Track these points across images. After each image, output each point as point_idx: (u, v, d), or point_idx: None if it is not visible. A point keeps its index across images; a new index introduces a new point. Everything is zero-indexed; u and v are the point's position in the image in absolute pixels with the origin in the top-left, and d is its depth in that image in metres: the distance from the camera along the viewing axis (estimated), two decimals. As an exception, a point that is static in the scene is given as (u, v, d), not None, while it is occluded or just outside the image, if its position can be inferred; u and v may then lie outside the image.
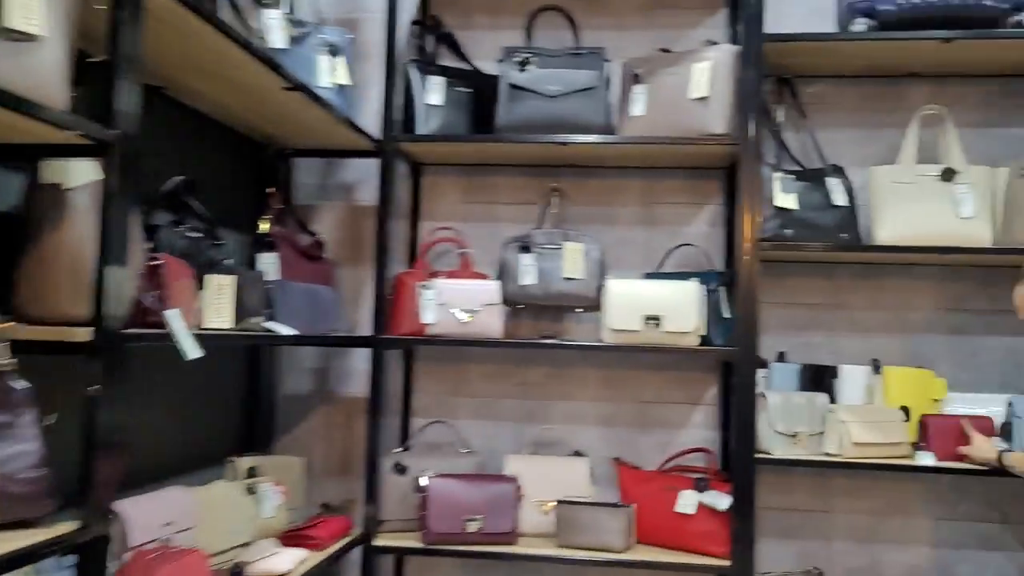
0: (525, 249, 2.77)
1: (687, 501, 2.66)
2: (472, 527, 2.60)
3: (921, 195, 2.62)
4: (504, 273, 2.77)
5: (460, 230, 3.00)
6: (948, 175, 2.62)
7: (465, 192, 3.06)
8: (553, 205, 2.95)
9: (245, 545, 2.27)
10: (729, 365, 2.83)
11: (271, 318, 2.26)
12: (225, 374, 2.76)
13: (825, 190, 2.70)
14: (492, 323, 2.65)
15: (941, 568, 2.81)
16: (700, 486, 2.66)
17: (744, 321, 2.57)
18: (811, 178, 2.72)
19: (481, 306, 2.64)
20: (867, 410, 2.64)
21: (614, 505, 2.63)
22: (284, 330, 2.23)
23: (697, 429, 2.93)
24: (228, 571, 2.16)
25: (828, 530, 2.86)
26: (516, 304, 2.78)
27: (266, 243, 2.43)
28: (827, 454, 2.62)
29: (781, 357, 2.88)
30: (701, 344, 2.64)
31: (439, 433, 2.97)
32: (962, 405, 2.73)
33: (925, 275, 2.87)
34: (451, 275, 2.81)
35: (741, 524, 2.52)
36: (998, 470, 2.45)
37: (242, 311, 2.02)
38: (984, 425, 2.59)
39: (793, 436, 2.61)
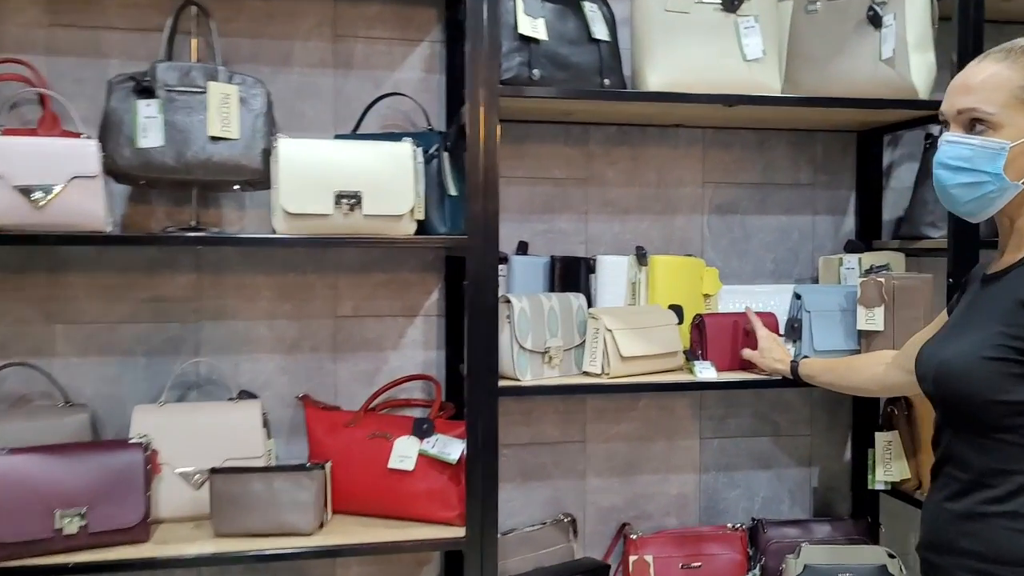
0: (145, 92, 1.77)
1: (404, 452, 1.91)
2: (70, 525, 1.65)
3: (699, 29, 1.98)
4: (111, 130, 1.76)
5: (42, 67, 1.92)
6: (731, 4, 2.00)
7: (50, 9, 1.97)
8: (192, 30, 1.96)
9: None
10: (457, 261, 2.09)
11: None
12: None
13: (581, 18, 1.97)
14: (87, 207, 1.65)
15: (709, 495, 2.32)
16: (422, 430, 1.91)
17: (480, 199, 1.81)
18: (563, 1, 1.97)
19: (66, 180, 1.63)
20: (634, 313, 2.02)
21: (298, 467, 1.82)
22: None
23: (414, 350, 2.16)
24: None
25: (581, 464, 2.26)
26: (135, 178, 1.80)
27: None
28: (587, 373, 1.98)
29: (523, 248, 2.18)
30: (419, 233, 1.85)
31: (21, 381, 1.94)
32: (738, 300, 2.21)
33: (692, 140, 2.28)
34: (19, 133, 1.75)
35: (480, 478, 1.82)
36: (790, 381, 1.94)
37: None
38: (767, 323, 2.08)
39: (544, 353, 1.93)
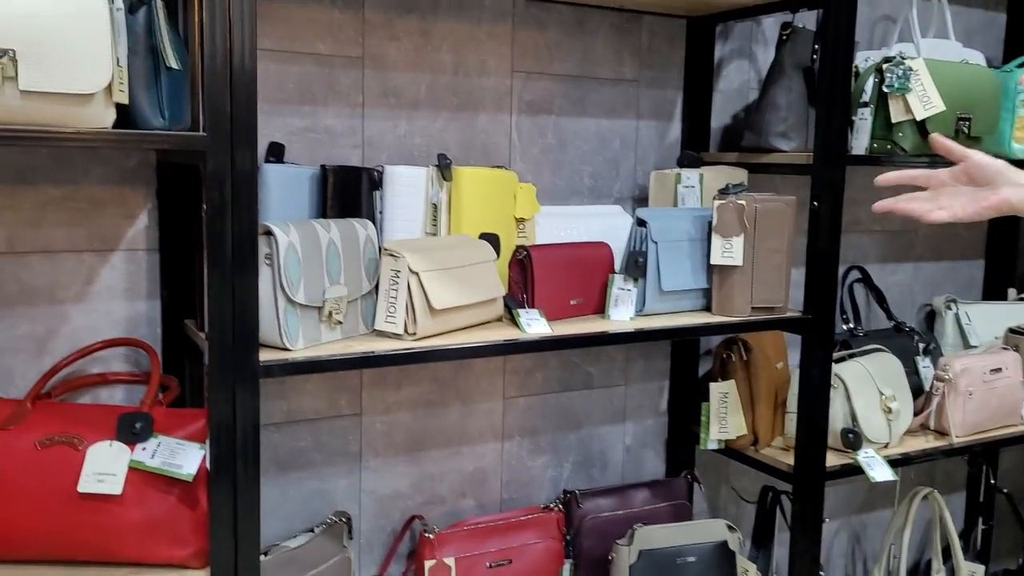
0: None
1: (104, 466, 1.24)
2: None
3: None
4: None
5: None
6: None
7: None
8: None
9: None
10: (178, 170, 1.39)
11: None
12: None
13: None
14: None
15: (512, 466, 1.88)
16: (132, 430, 1.25)
17: (225, 77, 1.14)
18: None
19: None
20: (442, 248, 1.47)
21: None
22: None
23: (111, 300, 1.45)
24: None
25: (354, 444, 1.70)
26: None
27: None
28: (380, 332, 1.41)
29: (276, 153, 1.52)
30: (120, 125, 1.14)
31: None
32: (557, 226, 1.74)
33: (499, 14, 1.73)
34: None
35: (232, 498, 1.21)
36: (630, 336, 1.52)
37: None
38: (603, 255, 1.64)
39: (322, 308, 1.33)
